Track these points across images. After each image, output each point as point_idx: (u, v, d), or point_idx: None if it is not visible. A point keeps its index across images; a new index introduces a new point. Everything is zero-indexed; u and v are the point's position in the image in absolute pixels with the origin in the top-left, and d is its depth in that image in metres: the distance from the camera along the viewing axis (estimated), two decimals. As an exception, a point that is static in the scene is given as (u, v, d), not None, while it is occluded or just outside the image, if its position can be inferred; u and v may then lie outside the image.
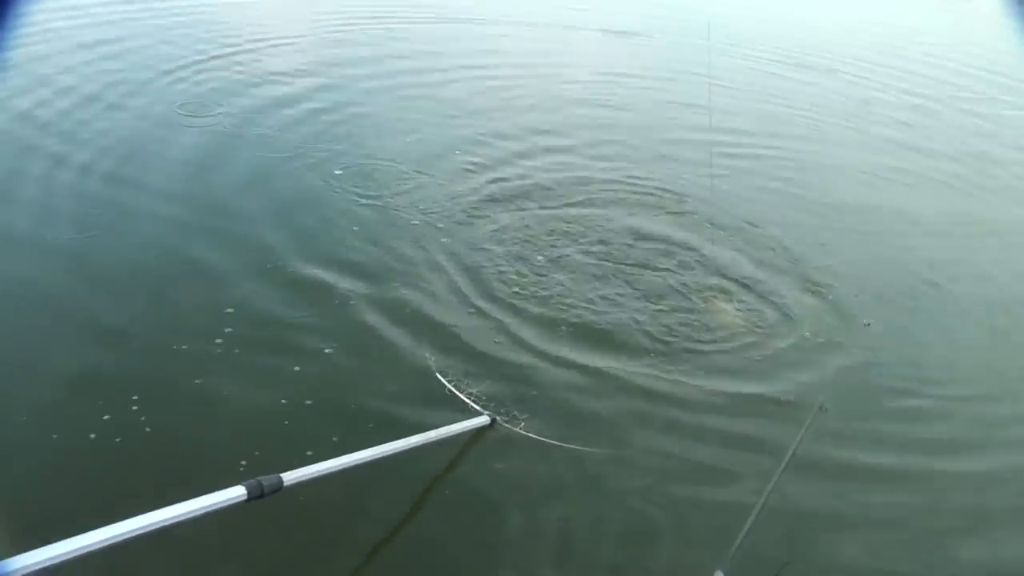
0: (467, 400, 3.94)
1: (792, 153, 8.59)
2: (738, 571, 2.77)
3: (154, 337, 4.31)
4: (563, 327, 4.79)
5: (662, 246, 5.91)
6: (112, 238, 5.18)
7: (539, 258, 5.51)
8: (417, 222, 5.81)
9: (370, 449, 3.02)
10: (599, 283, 5.31)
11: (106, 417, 3.63)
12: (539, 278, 5.26)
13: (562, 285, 5.22)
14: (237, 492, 2.33)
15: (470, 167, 6.94)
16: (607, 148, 7.99)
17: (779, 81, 11.80)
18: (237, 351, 4.23)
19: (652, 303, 5.16)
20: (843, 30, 16.95)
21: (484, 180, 6.68)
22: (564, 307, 4.99)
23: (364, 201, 6.05)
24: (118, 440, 3.52)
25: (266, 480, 2.43)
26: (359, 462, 2.94)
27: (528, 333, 4.68)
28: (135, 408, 3.68)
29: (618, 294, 5.22)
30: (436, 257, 5.37)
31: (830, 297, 5.58)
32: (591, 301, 5.09)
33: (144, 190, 5.79)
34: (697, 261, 5.75)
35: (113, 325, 4.37)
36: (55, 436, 3.52)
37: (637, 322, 4.93)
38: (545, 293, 5.10)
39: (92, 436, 3.51)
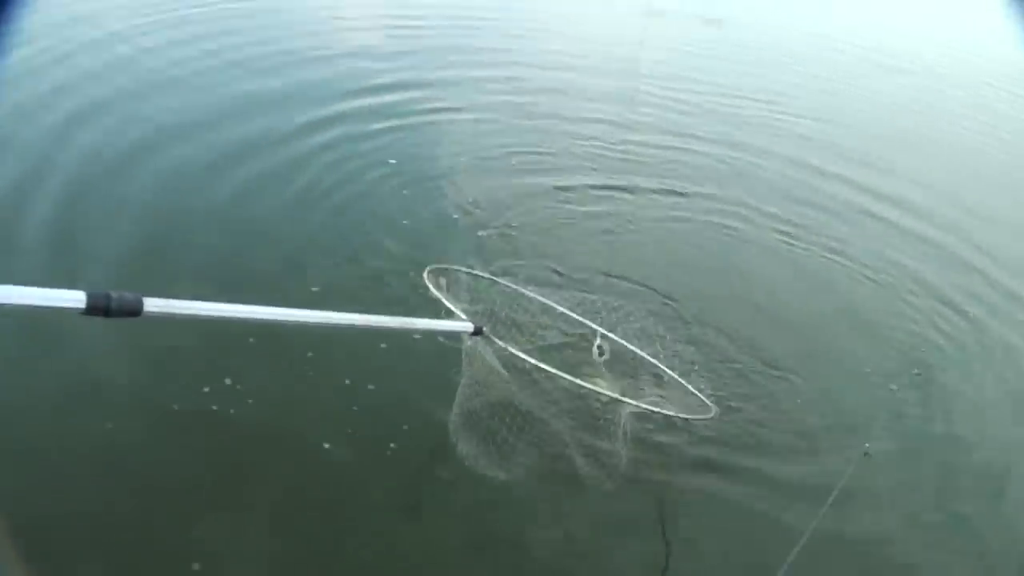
0: (453, 307, 3.38)
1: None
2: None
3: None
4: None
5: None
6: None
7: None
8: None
9: (333, 313, 2.45)
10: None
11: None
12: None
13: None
14: (75, 297, 1.75)
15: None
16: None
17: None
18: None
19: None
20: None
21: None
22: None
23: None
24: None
25: (118, 295, 1.81)
26: (303, 320, 2.32)
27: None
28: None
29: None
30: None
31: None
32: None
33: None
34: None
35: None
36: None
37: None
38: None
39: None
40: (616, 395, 3.41)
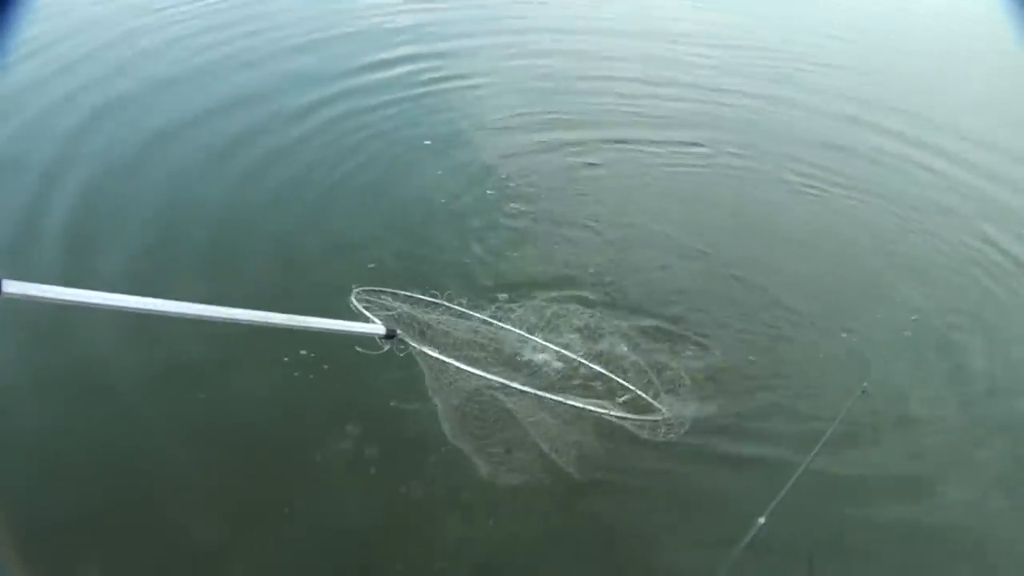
0: (368, 314, 3.36)
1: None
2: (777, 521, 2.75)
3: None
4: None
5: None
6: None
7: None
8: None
9: (234, 310, 2.43)
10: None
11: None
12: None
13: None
14: None
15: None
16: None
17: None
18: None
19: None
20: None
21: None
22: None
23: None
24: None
25: None
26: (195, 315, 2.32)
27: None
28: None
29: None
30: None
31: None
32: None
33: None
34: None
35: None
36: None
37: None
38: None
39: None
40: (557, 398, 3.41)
